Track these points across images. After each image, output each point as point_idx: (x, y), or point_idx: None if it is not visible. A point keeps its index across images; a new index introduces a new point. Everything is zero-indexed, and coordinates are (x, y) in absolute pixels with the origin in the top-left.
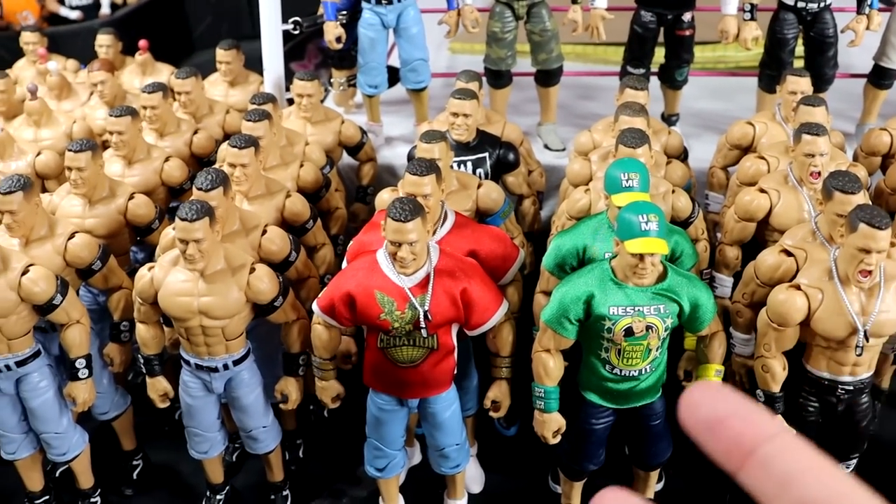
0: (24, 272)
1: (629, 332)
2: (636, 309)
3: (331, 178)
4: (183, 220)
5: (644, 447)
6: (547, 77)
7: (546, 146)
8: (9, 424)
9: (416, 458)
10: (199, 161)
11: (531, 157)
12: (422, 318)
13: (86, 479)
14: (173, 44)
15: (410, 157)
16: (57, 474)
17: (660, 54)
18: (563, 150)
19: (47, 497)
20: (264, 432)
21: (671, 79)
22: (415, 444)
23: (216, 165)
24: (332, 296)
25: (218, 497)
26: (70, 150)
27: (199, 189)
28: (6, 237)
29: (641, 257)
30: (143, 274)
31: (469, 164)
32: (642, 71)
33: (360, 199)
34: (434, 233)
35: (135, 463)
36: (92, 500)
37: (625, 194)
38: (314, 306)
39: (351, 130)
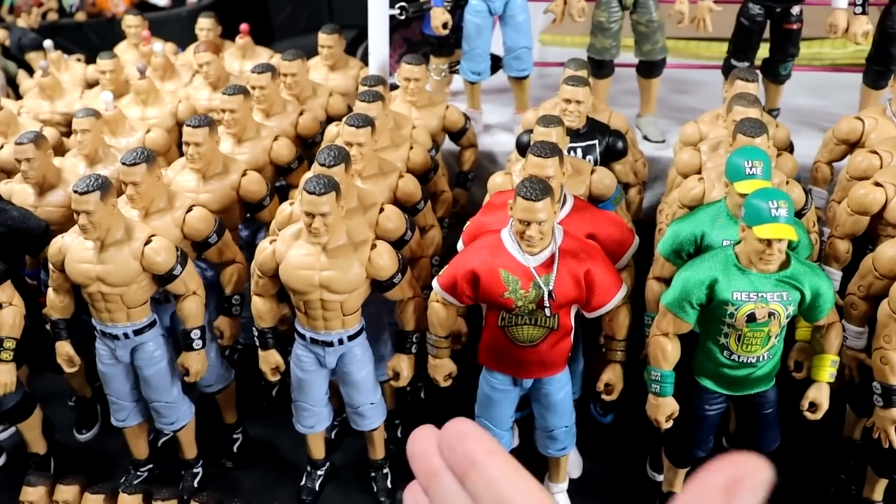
0: (147, 242)
1: (751, 318)
2: (759, 295)
3: (437, 161)
4: (311, 193)
5: (754, 436)
6: (650, 68)
7: (646, 137)
8: (121, 392)
9: (515, 441)
10: (304, 142)
11: (636, 146)
12: (546, 298)
13: (190, 450)
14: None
15: (520, 143)
16: (159, 444)
17: (763, 50)
18: (663, 141)
19: (151, 465)
20: (372, 409)
21: (775, 73)
22: (514, 427)
23: None
24: (455, 273)
25: (319, 472)
26: (188, 126)
27: (322, 165)
28: (127, 208)
29: (769, 243)
30: (265, 247)
31: (579, 151)
32: (746, 64)
33: (461, 185)
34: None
35: (235, 436)
36: (195, 470)
37: (748, 182)
38: (434, 283)
39: (455, 115)
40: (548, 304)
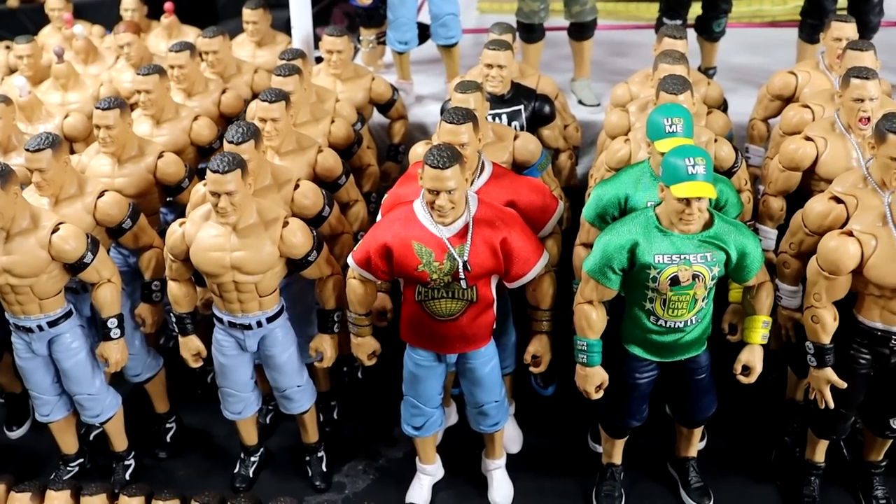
0: (55, 230)
1: (675, 281)
2: (682, 257)
3: (362, 135)
4: (214, 171)
5: (688, 402)
6: (581, 30)
7: (580, 102)
8: (42, 386)
9: (453, 418)
10: (228, 121)
11: (566, 111)
12: (461, 269)
13: (119, 442)
14: (197, 13)
15: (444, 110)
16: (91, 437)
17: (696, 7)
18: (598, 105)
19: (82, 460)
20: (299, 392)
21: (709, 30)
22: (451, 404)
23: None
24: (368, 248)
25: (252, 459)
26: (98, 108)
27: (230, 142)
28: (35, 196)
29: (688, 202)
30: (175, 230)
31: (504, 117)
32: (679, 22)
33: (392, 158)
34: (472, 183)
35: (168, 426)
36: (126, 462)
37: (668, 140)
38: (349, 259)
39: (381, 87)
40: (463, 276)
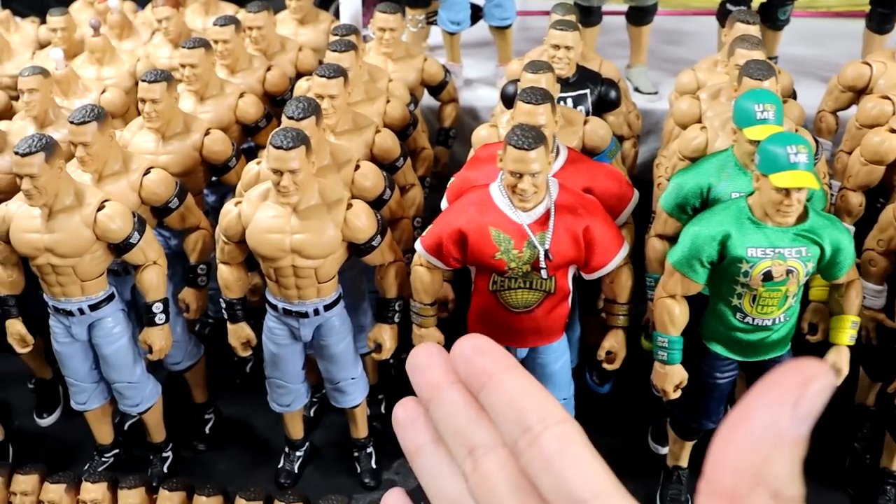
0: (100, 208)
1: (768, 276)
2: (776, 251)
3: (417, 116)
4: (278, 147)
5: None
6: (641, 14)
7: (637, 89)
8: (80, 373)
9: None
10: (272, 100)
11: (628, 97)
12: (541, 259)
13: (158, 433)
14: None
15: (505, 94)
16: (126, 427)
17: None
18: (656, 93)
19: (117, 451)
20: (352, 384)
21: (773, 17)
22: None
23: None
24: (440, 233)
25: (297, 454)
26: (144, 81)
27: (290, 118)
28: (78, 173)
29: (787, 193)
30: (230, 210)
31: (569, 101)
32: (743, 8)
33: (442, 143)
34: None
35: (207, 417)
36: (164, 454)
37: (759, 127)
38: (417, 245)
39: (434, 68)
40: (544, 266)
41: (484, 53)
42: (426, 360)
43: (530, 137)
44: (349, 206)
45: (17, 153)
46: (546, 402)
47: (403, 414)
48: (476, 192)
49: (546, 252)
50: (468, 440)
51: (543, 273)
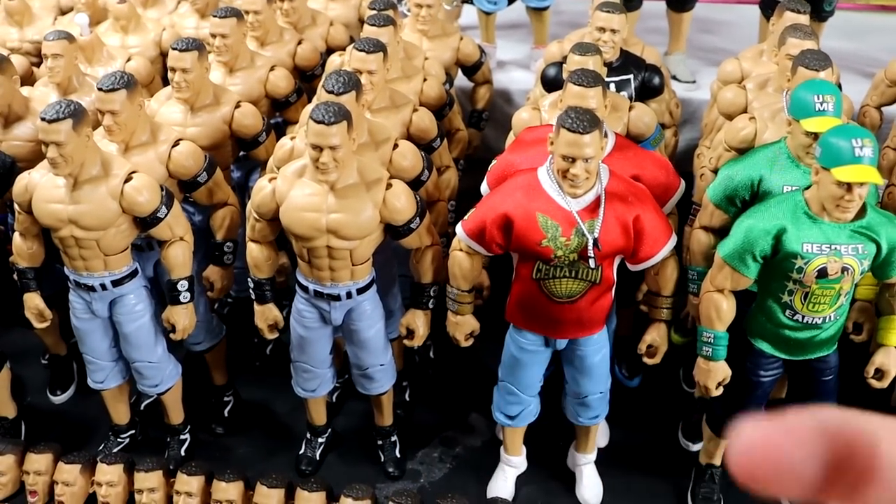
0: (127, 179)
1: (822, 273)
2: (833, 247)
3: (453, 96)
4: (319, 122)
5: (809, 404)
6: (682, 1)
7: (674, 77)
8: (98, 351)
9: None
10: (303, 75)
11: (669, 85)
12: (590, 247)
13: (176, 415)
14: None
15: (546, 76)
16: (142, 407)
17: None
18: (694, 82)
19: (133, 431)
20: (381, 371)
21: (818, 8)
22: None
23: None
24: (484, 218)
25: (319, 440)
26: (175, 49)
27: (330, 92)
28: (105, 142)
29: (849, 188)
30: (263, 185)
31: (612, 86)
32: None
33: (474, 125)
34: None
35: (226, 399)
36: (181, 436)
37: (817, 119)
38: (458, 229)
39: (470, 48)
40: (592, 255)
41: (517, 35)
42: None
43: (585, 121)
44: (388, 185)
45: (43, 119)
46: None
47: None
48: (523, 175)
49: (595, 240)
50: None
51: (591, 262)
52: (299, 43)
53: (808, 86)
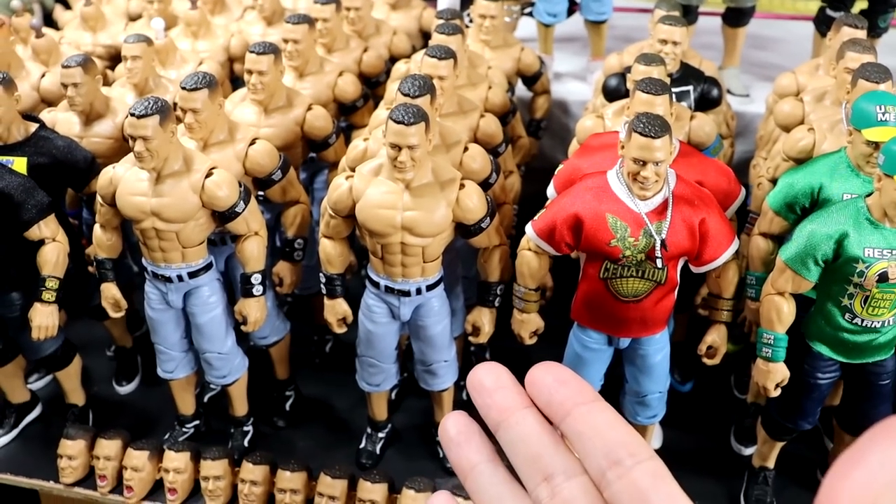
0: (208, 175)
1: (883, 277)
2: (894, 253)
3: (516, 104)
4: (398, 122)
5: (864, 408)
6: (738, 16)
7: (729, 91)
8: (171, 341)
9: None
10: (367, 82)
11: (725, 97)
12: (657, 248)
13: (241, 406)
14: None
15: (608, 87)
16: (206, 399)
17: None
18: (748, 95)
19: (198, 422)
20: (445, 367)
21: (873, 25)
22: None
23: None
24: (555, 218)
25: (380, 435)
26: (252, 52)
27: (406, 94)
28: (184, 139)
29: None
30: (340, 183)
31: (672, 97)
32: (843, 13)
33: (532, 133)
34: None
35: (287, 394)
36: (245, 428)
37: (879, 129)
38: (528, 229)
39: (530, 58)
40: (659, 255)
41: (573, 48)
42: (494, 381)
43: (657, 126)
44: (461, 185)
45: (133, 114)
46: (634, 437)
47: (455, 430)
48: (592, 178)
49: (663, 241)
50: (545, 466)
51: (658, 262)
52: (365, 50)
53: (870, 97)
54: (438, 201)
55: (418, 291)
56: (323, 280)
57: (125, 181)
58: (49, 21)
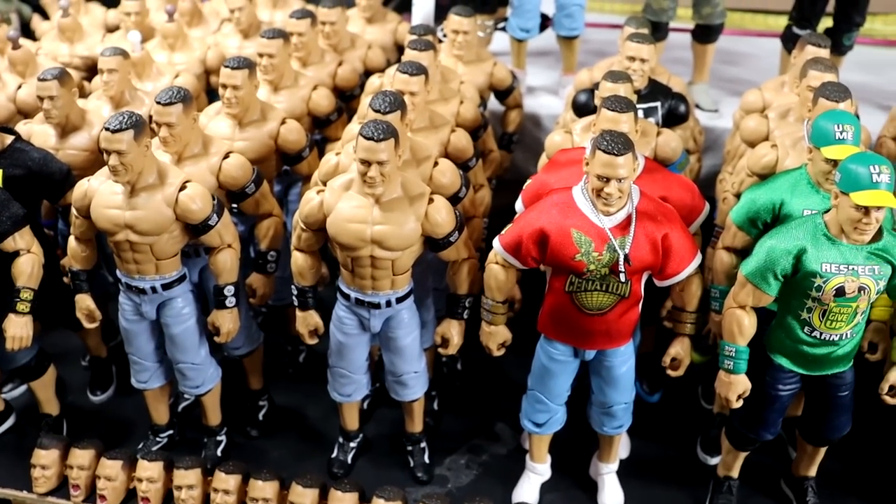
0: (182, 188)
1: (840, 292)
2: (850, 268)
3: (487, 119)
4: (368, 138)
5: (824, 419)
6: (707, 32)
7: (698, 106)
8: (144, 351)
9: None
10: (342, 95)
11: (692, 113)
12: (621, 262)
13: (214, 416)
14: None
15: (577, 102)
16: (179, 409)
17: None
18: (716, 111)
19: (172, 431)
20: (415, 378)
21: (838, 43)
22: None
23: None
24: (521, 233)
25: (351, 444)
26: (227, 67)
27: (377, 111)
28: (159, 153)
29: (867, 211)
30: (312, 197)
31: (640, 113)
32: (808, 32)
33: (504, 147)
34: None
35: (261, 404)
36: (218, 438)
37: (837, 147)
38: (495, 243)
39: (503, 73)
40: (623, 269)
41: (546, 62)
42: None
43: (620, 143)
44: (430, 200)
45: (107, 129)
46: None
47: None
48: (558, 194)
49: (626, 256)
50: None
51: (622, 276)
52: (340, 64)
53: (829, 116)
54: (408, 216)
55: (388, 304)
56: (295, 292)
57: (100, 194)
58: (27, 31)
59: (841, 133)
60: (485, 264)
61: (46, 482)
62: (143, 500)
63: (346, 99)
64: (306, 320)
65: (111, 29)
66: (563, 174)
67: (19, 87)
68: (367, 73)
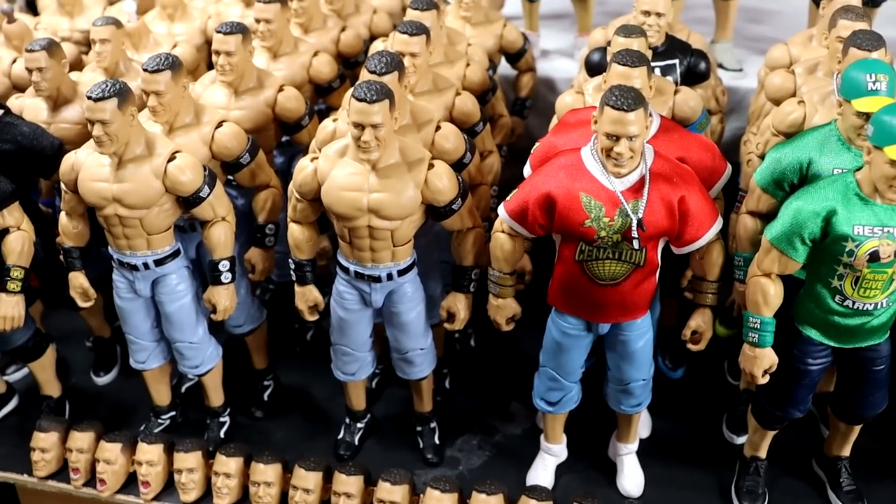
0: (171, 159)
1: (874, 256)
2: (885, 230)
3: (496, 82)
4: (360, 100)
5: (858, 395)
6: None
7: (720, 65)
8: (140, 330)
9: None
10: (346, 61)
11: (715, 71)
12: (634, 228)
13: (216, 397)
14: None
15: (590, 62)
16: (183, 390)
17: None
18: (741, 70)
19: (174, 413)
20: (421, 355)
21: None
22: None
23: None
24: (526, 198)
25: (358, 425)
26: (219, 32)
27: (372, 72)
28: (149, 123)
29: None
30: (305, 165)
31: (657, 71)
32: None
33: (517, 113)
34: None
35: (266, 383)
36: (221, 419)
37: (869, 99)
38: (500, 210)
39: (513, 35)
40: (636, 236)
41: (560, 24)
42: None
43: (630, 98)
44: (430, 166)
45: (89, 97)
46: None
47: None
48: (566, 156)
49: (639, 221)
50: None
51: (635, 243)
52: (343, 30)
53: (860, 65)
54: (406, 182)
55: (389, 277)
56: (292, 266)
57: (86, 167)
58: (32, 5)
59: (874, 83)
60: (491, 233)
61: (46, 466)
62: (144, 483)
63: (351, 66)
64: (305, 296)
65: (113, 2)
66: (572, 135)
67: (14, 61)
68: (374, 38)
